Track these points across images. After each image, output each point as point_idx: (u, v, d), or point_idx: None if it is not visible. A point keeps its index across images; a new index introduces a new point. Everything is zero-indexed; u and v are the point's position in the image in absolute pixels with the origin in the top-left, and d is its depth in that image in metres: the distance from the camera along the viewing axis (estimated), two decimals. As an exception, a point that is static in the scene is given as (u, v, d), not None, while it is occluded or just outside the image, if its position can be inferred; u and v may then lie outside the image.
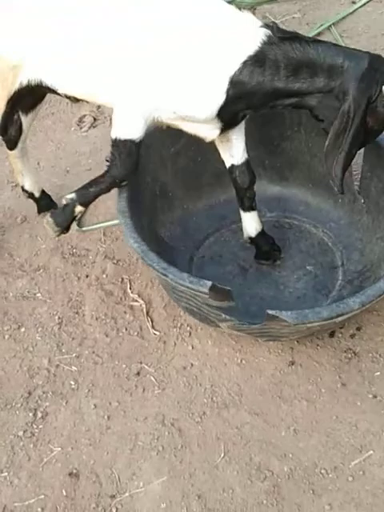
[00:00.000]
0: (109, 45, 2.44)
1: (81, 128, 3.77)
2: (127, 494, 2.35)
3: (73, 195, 2.64)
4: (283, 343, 2.69)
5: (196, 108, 2.42)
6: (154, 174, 2.99)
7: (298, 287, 2.88)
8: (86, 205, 2.66)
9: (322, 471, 2.34)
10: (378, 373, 2.59)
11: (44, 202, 3.24)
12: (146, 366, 2.70)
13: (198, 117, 2.44)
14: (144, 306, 2.89)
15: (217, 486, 2.33)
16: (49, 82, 2.63)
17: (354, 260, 2.90)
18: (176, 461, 2.41)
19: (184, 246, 3.00)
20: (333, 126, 2.33)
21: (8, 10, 2.53)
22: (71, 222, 2.70)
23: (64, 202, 2.66)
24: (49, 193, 3.31)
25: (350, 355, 2.65)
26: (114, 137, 2.50)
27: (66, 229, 2.71)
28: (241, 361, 2.67)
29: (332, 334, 2.72)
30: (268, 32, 2.36)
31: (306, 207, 3.12)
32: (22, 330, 2.89)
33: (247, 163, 2.75)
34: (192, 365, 2.68)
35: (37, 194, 3.20)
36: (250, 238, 2.92)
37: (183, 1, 2.42)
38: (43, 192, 3.23)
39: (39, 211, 3.27)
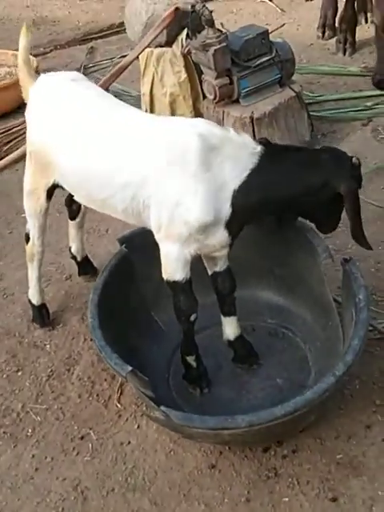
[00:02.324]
0: (125, 174, 2.73)
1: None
2: (14, 541, 2.58)
3: (181, 357, 2.97)
4: (215, 446, 2.77)
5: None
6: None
7: (258, 397, 2.94)
8: (189, 352, 2.96)
9: None
10: (286, 499, 2.59)
11: (83, 267, 3.61)
12: (92, 433, 2.94)
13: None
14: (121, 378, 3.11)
15: None
16: (67, 188, 3.04)
17: (321, 384, 2.88)
18: (66, 525, 2.60)
19: (176, 332, 3.16)
20: (349, 210, 2.69)
21: (48, 115, 2.95)
22: (200, 376, 2.98)
23: (184, 364, 2.98)
24: (101, 258, 3.66)
25: (270, 474, 2.68)
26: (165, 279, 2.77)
27: (202, 383, 2.99)
28: (170, 451, 2.81)
29: (266, 450, 2.75)
30: (263, 148, 2.64)
31: (302, 322, 3.17)
32: (19, 374, 3.27)
33: (228, 271, 2.91)
34: (129, 443, 2.87)
35: (79, 258, 3.60)
36: (229, 342, 3.05)
37: (184, 130, 2.70)
38: (86, 258, 3.62)
39: (79, 273, 3.66)
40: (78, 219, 3.48)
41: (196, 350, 2.90)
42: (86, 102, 2.88)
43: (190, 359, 2.90)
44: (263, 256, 3.13)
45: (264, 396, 2.93)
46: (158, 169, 2.63)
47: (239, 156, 2.62)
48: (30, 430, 2.98)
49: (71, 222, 3.52)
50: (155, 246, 2.83)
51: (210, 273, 2.90)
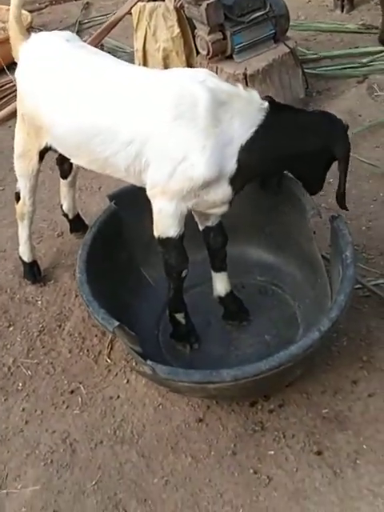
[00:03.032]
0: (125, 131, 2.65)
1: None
2: (4, 491, 2.65)
3: (168, 312, 2.99)
4: (203, 400, 2.80)
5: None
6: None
7: (246, 353, 2.97)
8: (178, 310, 2.95)
9: (168, 525, 2.45)
10: (272, 452, 2.62)
11: (75, 224, 3.62)
12: (81, 388, 2.97)
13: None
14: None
15: (74, 508, 2.56)
16: (62, 151, 2.98)
17: (309, 340, 2.89)
18: (55, 476, 2.66)
19: (166, 289, 3.16)
20: (343, 170, 2.72)
21: (41, 76, 2.85)
22: (189, 333, 2.99)
23: (172, 322, 2.98)
24: (94, 215, 3.64)
25: (257, 428, 2.71)
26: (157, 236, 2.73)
27: (191, 339, 2.99)
28: (159, 405, 2.84)
29: (253, 404, 2.78)
30: (268, 105, 2.62)
31: (292, 279, 3.18)
32: (11, 329, 3.30)
33: (220, 225, 2.91)
34: (118, 397, 2.91)
35: (70, 216, 3.61)
36: (220, 298, 3.05)
37: (193, 83, 2.62)
38: (77, 215, 3.62)
39: (71, 230, 3.66)
40: (69, 178, 3.48)
41: (185, 306, 2.92)
42: (81, 61, 2.81)
43: (179, 316, 2.92)
44: (253, 213, 3.14)
45: (252, 352, 2.95)
46: (164, 123, 2.54)
47: (248, 112, 2.59)
48: (20, 384, 3.02)
49: (63, 181, 3.51)
50: (145, 203, 2.81)
51: (201, 228, 2.90)
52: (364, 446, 2.59)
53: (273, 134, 2.61)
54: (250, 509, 2.46)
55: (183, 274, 2.80)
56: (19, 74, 2.96)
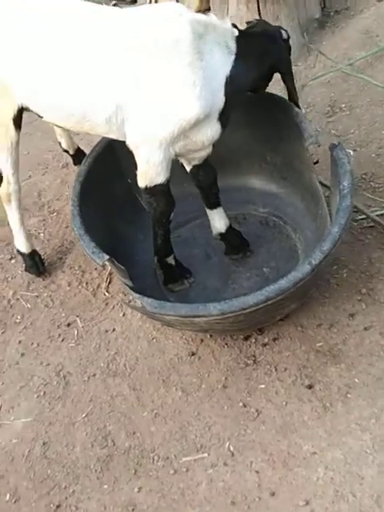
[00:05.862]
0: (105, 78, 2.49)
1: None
2: (-2, 423, 2.67)
3: (155, 259, 2.88)
4: (197, 334, 2.78)
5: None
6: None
7: (244, 285, 2.92)
8: (168, 253, 2.86)
9: (155, 457, 2.47)
10: (263, 386, 2.59)
11: (78, 157, 3.55)
12: (78, 320, 2.96)
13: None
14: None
15: (63, 440, 2.58)
16: (34, 109, 2.70)
17: (308, 273, 2.83)
18: (47, 408, 2.68)
19: (154, 237, 3.05)
20: (289, 76, 2.75)
21: None
22: (178, 274, 2.91)
23: (163, 267, 2.89)
24: (96, 142, 3.53)
25: (249, 362, 2.68)
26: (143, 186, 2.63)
27: (185, 275, 2.93)
28: (153, 338, 2.82)
29: (247, 338, 2.75)
30: (236, 31, 2.54)
31: (293, 210, 3.09)
32: (13, 261, 3.30)
33: (207, 161, 2.80)
34: (114, 330, 2.90)
35: (71, 152, 3.54)
36: (221, 235, 2.98)
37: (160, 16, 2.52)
38: (78, 149, 3.55)
39: (74, 163, 3.60)
40: None
41: (172, 247, 2.85)
42: (33, 5, 2.59)
43: (170, 259, 2.85)
44: (253, 142, 3.03)
45: (250, 285, 2.90)
46: (146, 63, 2.43)
47: (224, 41, 2.49)
48: (19, 317, 3.02)
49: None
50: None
51: (189, 169, 2.82)
52: (356, 380, 2.54)
53: (245, 60, 2.53)
54: (237, 442, 2.44)
55: (171, 217, 2.72)
56: None
